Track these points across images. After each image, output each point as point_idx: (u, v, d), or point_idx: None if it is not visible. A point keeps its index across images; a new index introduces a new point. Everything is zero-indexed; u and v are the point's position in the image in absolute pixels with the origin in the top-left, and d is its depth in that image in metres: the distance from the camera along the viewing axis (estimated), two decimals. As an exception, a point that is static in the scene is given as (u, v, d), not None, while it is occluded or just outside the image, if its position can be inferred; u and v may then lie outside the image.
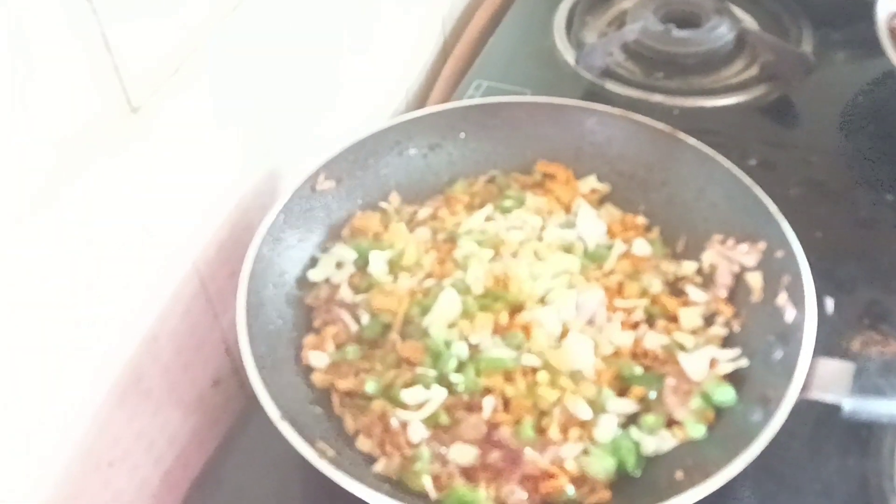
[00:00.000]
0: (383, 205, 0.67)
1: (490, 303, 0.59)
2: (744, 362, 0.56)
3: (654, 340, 0.59)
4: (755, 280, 0.59)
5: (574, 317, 0.59)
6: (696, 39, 0.87)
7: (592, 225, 0.65)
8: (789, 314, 0.55)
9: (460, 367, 0.56)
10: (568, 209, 0.67)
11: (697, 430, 0.53)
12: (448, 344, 0.57)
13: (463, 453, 0.53)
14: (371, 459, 0.53)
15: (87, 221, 0.48)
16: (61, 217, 0.46)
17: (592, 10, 0.94)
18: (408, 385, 0.55)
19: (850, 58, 0.89)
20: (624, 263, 0.63)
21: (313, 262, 0.63)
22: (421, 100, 0.92)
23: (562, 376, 0.56)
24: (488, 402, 0.55)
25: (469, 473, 0.52)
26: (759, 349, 0.56)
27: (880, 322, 0.64)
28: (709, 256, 0.62)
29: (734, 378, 0.56)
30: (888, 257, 0.69)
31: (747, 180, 0.62)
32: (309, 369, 0.57)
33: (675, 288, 0.63)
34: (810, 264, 0.57)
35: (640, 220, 0.67)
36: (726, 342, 0.59)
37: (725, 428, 0.53)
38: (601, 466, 0.52)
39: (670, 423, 0.55)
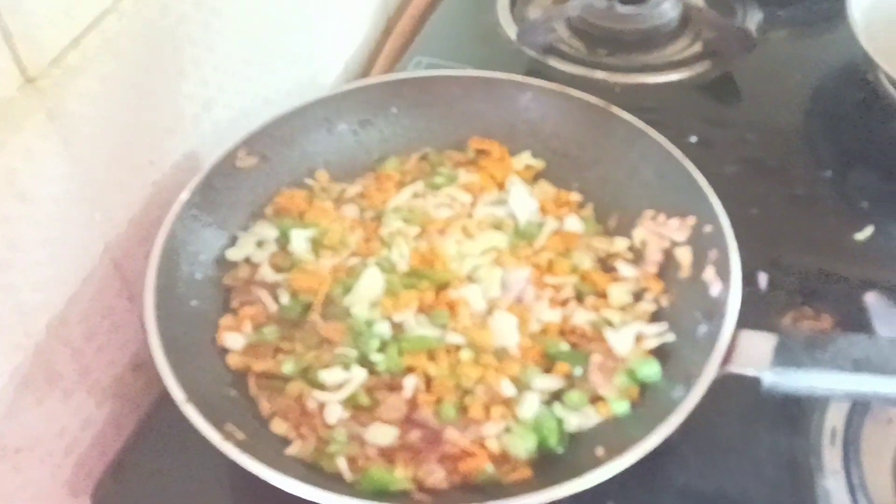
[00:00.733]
0: (309, 182, 0.65)
1: (415, 281, 0.58)
2: (670, 337, 0.55)
3: (582, 317, 0.57)
4: (684, 255, 0.59)
5: (501, 295, 0.58)
6: (640, 16, 0.85)
7: (524, 202, 0.64)
8: (715, 289, 0.55)
9: (382, 347, 0.55)
10: (501, 186, 0.66)
11: (621, 407, 0.53)
12: (370, 323, 0.55)
13: (382, 434, 0.51)
14: (286, 443, 0.52)
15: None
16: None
17: (536, -14, 0.93)
18: (327, 366, 0.54)
19: (793, 36, 0.89)
20: (555, 240, 0.62)
21: (233, 241, 0.61)
22: (361, 75, 0.90)
23: (485, 354, 0.54)
24: (409, 382, 0.53)
25: (388, 454, 0.51)
26: (685, 326, 0.55)
27: (813, 299, 0.63)
28: (640, 233, 0.61)
29: (660, 355, 0.55)
30: (824, 234, 0.68)
31: (678, 154, 0.61)
32: (225, 351, 0.55)
33: (606, 265, 0.62)
34: (745, 241, 0.56)
35: (574, 196, 0.66)
36: (655, 318, 0.58)
37: (649, 405, 0.52)
38: (522, 444, 0.51)
39: (595, 399, 0.54)
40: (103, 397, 0.59)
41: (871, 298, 0.61)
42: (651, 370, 0.53)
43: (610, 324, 0.57)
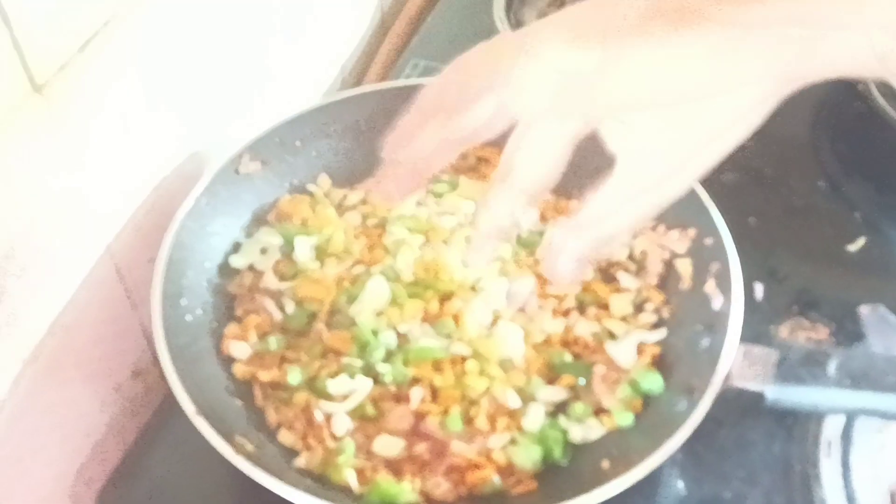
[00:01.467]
0: (312, 188, 0.65)
1: (420, 290, 0.58)
2: (662, 332, 0.56)
3: (584, 328, 0.58)
4: (685, 267, 0.59)
5: (505, 305, 0.58)
6: (636, 22, 0.86)
7: (525, 211, 0.64)
8: (717, 302, 0.55)
9: (388, 357, 0.55)
10: (502, 194, 0.66)
11: (625, 419, 0.53)
12: (375, 333, 0.56)
13: (388, 445, 0.52)
14: (293, 453, 0.52)
15: (-15, 207, 0.45)
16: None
17: (533, -11, 0.93)
18: (333, 376, 0.54)
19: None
20: (556, 250, 0.62)
21: (237, 248, 0.61)
22: (357, 79, 0.89)
23: (491, 365, 0.55)
24: (416, 393, 0.54)
25: (394, 466, 0.51)
26: (686, 337, 0.56)
27: (809, 309, 0.64)
28: (640, 243, 0.62)
29: (662, 367, 0.55)
30: (818, 245, 0.70)
31: (679, 167, 0.61)
32: (230, 360, 0.55)
33: (607, 274, 0.62)
34: (742, 251, 0.57)
35: (574, 205, 0.66)
36: (656, 329, 0.58)
37: (652, 417, 0.53)
38: (527, 456, 0.51)
39: (598, 411, 0.54)
40: (104, 404, 0.59)
41: (865, 311, 0.62)
42: (654, 383, 0.54)
43: (612, 335, 0.58)
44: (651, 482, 0.53)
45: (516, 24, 0.88)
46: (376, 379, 0.54)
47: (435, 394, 0.54)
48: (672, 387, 0.54)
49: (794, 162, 0.76)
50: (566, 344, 0.58)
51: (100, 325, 0.57)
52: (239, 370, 0.55)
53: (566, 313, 0.59)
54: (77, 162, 0.51)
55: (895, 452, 0.56)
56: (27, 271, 0.49)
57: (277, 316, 0.57)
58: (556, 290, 0.60)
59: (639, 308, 0.60)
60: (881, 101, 0.78)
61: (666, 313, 0.59)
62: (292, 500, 0.46)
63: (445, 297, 0.58)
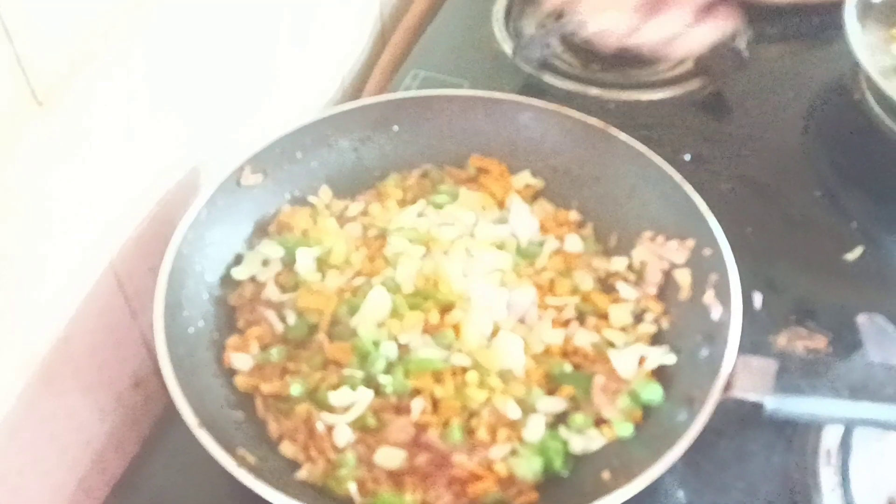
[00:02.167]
0: (312, 199, 0.65)
1: (420, 301, 0.58)
2: (671, 358, 0.56)
3: (584, 338, 0.58)
4: (684, 277, 0.60)
5: (505, 315, 0.59)
6: (633, 32, 0.86)
7: (525, 221, 0.65)
8: (716, 312, 0.56)
9: (389, 368, 0.55)
10: (501, 205, 0.67)
11: (625, 430, 0.53)
12: (376, 344, 0.56)
13: (390, 457, 0.52)
14: (295, 465, 0.52)
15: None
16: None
17: (532, 0, 0.93)
18: (334, 387, 0.54)
19: (783, 52, 0.90)
20: (556, 260, 0.63)
21: (238, 260, 0.61)
22: (357, 89, 0.90)
23: (491, 376, 0.55)
24: (417, 404, 0.54)
25: (396, 477, 0.51)
26: (686, 348, 0.56)
27: (807, 318, 0.65)
28: (639, 253, 0.62)
29: (662, 377, 0.56)
30: (816, 254, 0.70)
31: (678, 177, 0.62)
32: (231, 372, 0.56)
33: (606, 284, 0.63)
34: (740, 260, 0.58)
35: (574, 215, 0.67)
36: (655, 340, 0.59)
37: (652, 427, 0.53)
38: (528, 467, 0.52)
39: (599, 422, 0.55)
40: (104, 414, 0.59)
41: (863, 320, 0.62)
42: (654, 394, 0.54)
43: (611, 345, 0.58)
44: (652, 493, 0.53)
45: (515, 34, 0.89)
46: (377, 390, 0.54)
47: (436, 405, 0.54)
48: (672, 397, 0.54)
49: (790, 172, 0.77)
50: (566, 354, 0.58)
51: (99, 335, 0.57)
52: (240, 382, 0.55)
53: (566, 324, 0.59)
54: (78, 173, 0.51)
55: (894, 461, 0.57)
56: (26, 281, 0.49)
57: (279, 327, 0.57)
58: (556, 301, 0.60)
59: (638, 318, 0.60)
60: (877, 109, 0.78)
61: (665, 324, 0.59)
62: (295, 512, 0.46)
63: (446, 308, 0.58)
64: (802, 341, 0.63)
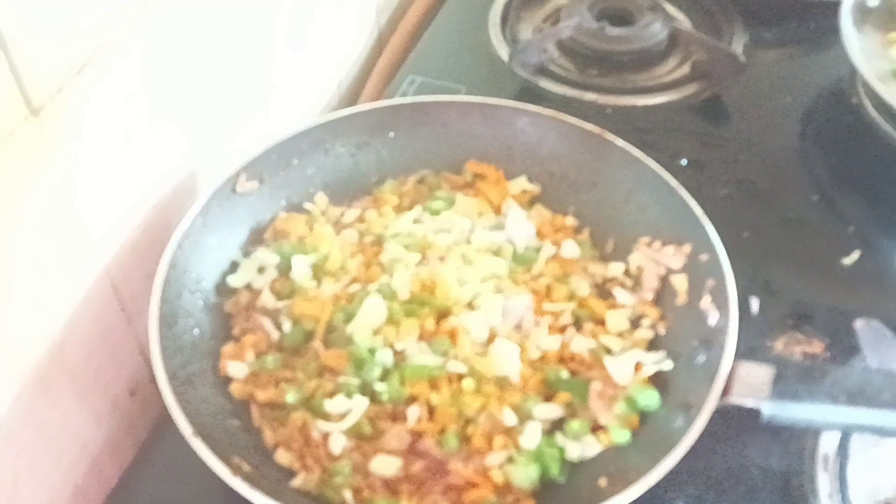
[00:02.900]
0: (308, 206, 0.65)
1: (416, 308, 0.58)
2: (668, 364, 0.56)
3: (581, 344, 0.58)
4: (680, 283, 0.60)
5: (501, 322, 0.58)
6: (630, 37, 0.86)
7: (522, 227, 0.64)
8: (713, 318, 0.56)
9: (385, 376, 0.55)
10: (498, 210, 0.67)
11: (622, 436, 0.53)
12: (372, 351, 0.56)
13: (386, 465, 0.52)
14: (291, 473, 0.52)
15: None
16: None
17: (528, 5, 0.94)
18: (330, 395, 0.54)
19: (781, 57, 0.90)
20: (552, 266, 0.63)
21: (234, 267, 0.61)
22: (354, 94, 0.90)
23: (487, 383, 0.55)
24: (413, 411, 0.54)
25: (392, 485, 0.51)
26: (682, 353, 0.56)
27: (804, 322, 0.65)
28: (636, 258, 0.62)
29: (659, 383, 0.55)
30: (813, 258, 0.70)
31: (674, 183, 0.62)
32: (227, 380, 0.55)
33: (603, 290, 0.62)
34: (736, 265, 0.58)
35: (570, 221, 0.67)
36: (652, 345, 0.59)
37: (648, 434, 0.53)
38: (525, 474, 0.52)
39: (595, 428, 0.54)
40: (100, 421, 0.59)
41: (861, 325, 0.62)
42: (651, 399, 0.54)
43: (608, 351, 0.58)
44: (649, 499, 0.53)
45: (512, 39, 0.89)
46: (373, 397, 0.54)
47: (432, 412, 0.54)
48: (669, 403, 0.54)
49: (787, 176, 0.77)
50: (563, 360, 0.58)
51: (94, 341, 0.57)
52: (236, 390, 0.55)
53: (562, 330, 0.59)
54: (74, 182, 0.51)
55: (891, 466, 0.56)
56: (22, 288, 0.49)
57: (274, 335, 0.57)
58: (553, 307, 0.60)
59: (635, 324, 0.60)
60: (874, 114, 0.78)
61: (662, 329, 0.59)
62: (290, 521, 0.46)
63: (442, 315, 0.58)
64: (800, 346, 0.63)
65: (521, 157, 0.69)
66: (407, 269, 0.60)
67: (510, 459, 0.52)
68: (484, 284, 0.60)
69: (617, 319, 0.60)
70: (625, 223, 0.64)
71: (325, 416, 0.53)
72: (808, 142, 0.80)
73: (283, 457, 0.52)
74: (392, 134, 0.68)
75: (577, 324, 0.60)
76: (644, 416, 0.54)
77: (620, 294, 0.61)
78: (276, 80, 0.72)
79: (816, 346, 0.63)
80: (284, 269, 0.61)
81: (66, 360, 0.54)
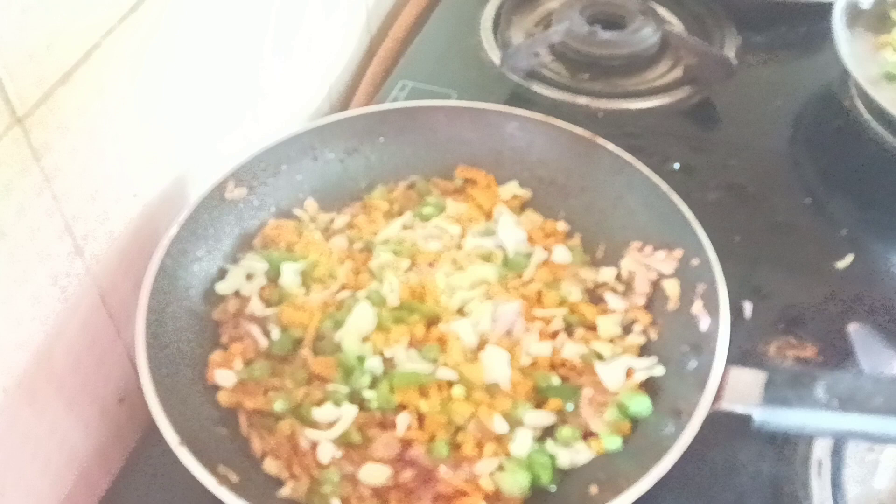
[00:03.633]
0: (298, 212, 0.65)
1: (406, 315, 0.58)
2: (659, 370, 0.56)
3: (572, 350, 0.58)
4: (672, 288, 0.59)
5: (492, 328, 0.58)
6: (621, 41, 0.86)
7: (512, 232, 0.64)
8: (704, 323, 0.55)
9: (374, 383, 0.55)
10: (489, 215, 0.66)
11: (613, 443, 0.53)
12: (361, 359, 0.55)
13: (375, 473, 0.51)
14: (279, 482, 0.51)
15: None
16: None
17: (519, 9, 0.93)
18: (318, 403, 0.53)
19: (772, 60, 0.90)
20: (543, 272, 0.62)
21: (222, 275, 0.60)
22: (345, 100, 0.89)
23: (477, 390, 0.55)
24: (402, 419, 0.53)
25: (381, 494, 0.51)
26: (674, 359, 0.56)
27: (796, 327, 0.64)
28: (627, 263, 0.62)
29: (650, 389, 0.55)
30: (805, 262, 0.70)
31: (665, 187, 0.61)
32: (215, 388, 0.55)
33: (594, 295, 0.62)
34: (728, 270, 0.57)
35: (561, 226, 0.66)
36: (643, 351, 0.58)
37: (640, 440, 0.53)
38: (515, 482, 0.51)
39: (586, 435, 0.54)
40: (88, 430, 0.59)
41: (854, 329, 0.62)
42: (642, 406, 0.54)
43: (599, 356, 0.57)
44: (640, 504, 0.52)
45: (503, 44, 0.88)
46: (362, 405, 0.54)
47: (421, 420, 0.54)
48: (660, 409, 0.54)
49: (779, 180, 0.76)
50: (554, 367, 0.57)
51: (82, 351, 0.56)
52: (224, 398, 0.54)
53: (553, 335, 0.59)
54: (59, 189, 0.51)
55: (886, 471, 0.56)
56: (7, 296, 0.49)
57: (263, 342, 0.57)
58: (543, 313, 0.60)
59: (626, 329, 0.60)
60: (866, 116, 0.78)
61: (653, 334, 0.59)
62: (278, 531, 0.45)
63: (431, 322, 0.58)
64: (792, 351, 0.63)
65: (511, 161, 0.68)
66: (396, 276, 0.60)
67: (500, 467, 0.52)
68: (474, 290, 0.60)
69: (608, 325, 0.59)
70: (615, 228, 0.64)
71: (314, 425, 0.53)
72: (800, 145, 0.80)
73: (271, 465, 0.52)
74: (382, 139, 0.68)
75: (569, 330, 0.59)
76: (635, 422, 0.54)
77: (612, 299, 0.61)
78: (265, 86, 0.72)
79: (809, 351, 0.63)
80: (273, 276, 0.60)
81: (53, 368, 0.54)
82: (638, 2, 0.89)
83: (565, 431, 0.53)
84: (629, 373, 0.56)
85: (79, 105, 0.50)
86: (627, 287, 0.62)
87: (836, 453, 0.56)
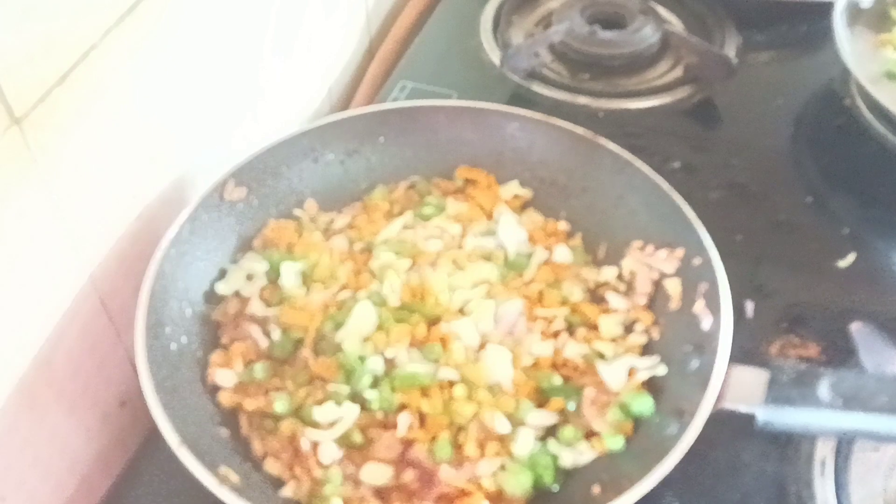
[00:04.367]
0: (298, 213, 0.65)
1: (407, 315, 0.58)
2: (661, 369, 0.55)
3: (574, 350, 0.58)
4: (674, 287, 0.59)
5: (493, 328, 0.58)
6: (621, 41, 0.86)
7: (513, 232, 0.64)
8: (706, 322, 0.55)
9: (375, 383, 0.55)
10: (490, 215, 0.66)
11: (616, 443, 0.53)
12: (362, 359, 0.55)
13: (376, 474, 0.51)
14: (280, 483, 0.51)
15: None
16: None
17: (519, 10, 0.93)
18: (319, 403, 0.53)
19: (772, 60, 0.90)
20: (545, 271, 0.62)
21: (222, 275, 0.60)
22: (345, 100, 0.89)
23: (479, 390, 0.54)
24: (403, 419, 0.53)
25: (383, 495, 0.51)
26: (676, 358, 0.55)
27: (798, 326, 0.64)
28: (628, 263, 0.62)
29: (652, 388, 0.55)
30: (807, 261, 0.69)
31: (666, 186, 0.61)
32: (215, 389, 0.55)
33: (596, 295, 0.62)
34: (730, 267, 0.57)
35: (562, 226, 0.66)
36: (646, 350, 0.58)
37: (642, 440, 0.52)
38: (518, 482, 0.51)
39: (589, 435, 0.54)
40: (89, 436, 0.58)
41: (857, 328, 0.61)
42: (645, 405, 0.53)
43: (601, 356, 0.57)
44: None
45: (503, 44, 0.88)
46: (363, 406, 0.54)
47: (423, 420, 0.53)
48: (662, 409, 0.53)
49: (780, 179, 0.76)
50: (555, 366, 0.57)
51: (83, 355, 0.56)
52: (224, 399, 0.54)
53: (555, 335, 0.59)
54: (58, 192, 0.50)
55: (890, 471, 0.56)
56: (7, 302, 0.49)
57: (263, 343, 0.57)
58: (545, 313, 0.59)
59: (628, 329, 0.59)
60: (867, 115, 0.78)
61: (655, 334, 0.58)
62: (279, 532, 0.45)
63: (432, 322, 0.58)
64: (795, 350, 0.62)
65: (512, 162, 0.68)
66: (397, 276, 0.59)
67: (503, 467, 0.51)
68: (475, 290, 0.59)
69: (610, 324, 0.59)
70: (616, 228, 0.64)
71: (315, 425, 0.53)
72: (801, 144, 0.80)
73: (272, 466, 0.52)
74: (382, 140, 0.68)
75: (570, 329, 0.59)
76: (638, 422, 0.54)
77: (613, 299, 0.60)
78: (264, 87, 0.72)
79: (811, 350, 0.62)
80: (273, 276, 0.60)
81: (53, 374, 0.54)
82: (638, 1, 0.89)
83: (567, 431, 0.53)
84: (631, 372, 0.56)
85: (77, 107, 0.50)
86: (629, 287, 0.61)
87: (840, 453, 0.55)
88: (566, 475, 0.52)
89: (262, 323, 0.58)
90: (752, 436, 0.56)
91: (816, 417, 0.49)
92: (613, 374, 0.55)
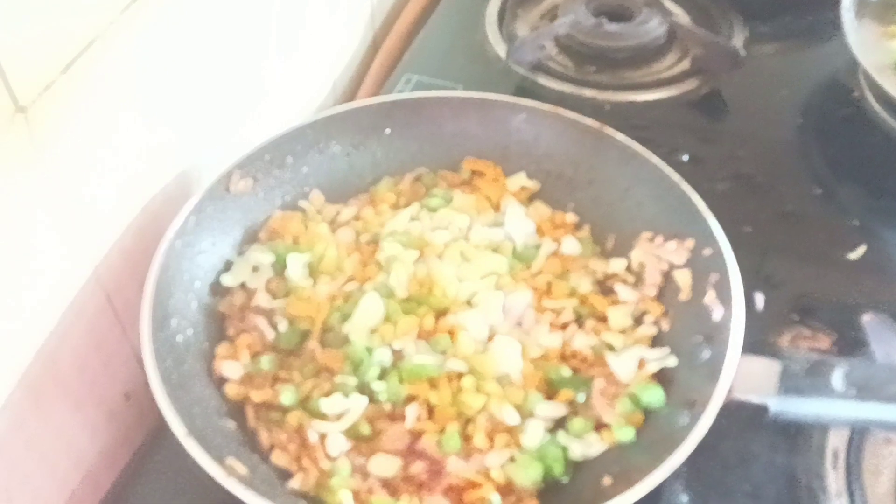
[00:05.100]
0: (303, 204, 0.64)
1: (414, 307, 0.57)
2: (672, 361, 0.55)
3: (582, 341, 0.57)
4: (684, 278, 0.58)
5: (501, 319, 0.57)
6: (627, 33, 0.86)
7: (521, 224, 0.63)
8: (717, 313, 0.54)
9: (383, 375, 0.54)
10: (497, 207, 0.66)
11: (626, 434, 0.52)
12: (370, 350, 0.55)
13: (384, 465, 0.50)
14: (287, 475, 0.51)
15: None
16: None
17: (524, 2, 0.93)
18: (327, 395, 0.53)
19: (779, 51, 0.90)
20: (553, 263, 0.62)
21: (228, 267, 0.60)
22: (349, 94, 0.89)
23: (488, 381, 0.54)
24: (412, 411, 0.52)
25: (391, 486, 0.50)
26: (686, 349, 0.55)
27: (809, 317, 0.64)
28: (637, 254, 0.61)
29: (663, 380, 0.54)
30: (817, 253, 0.69)
31: (675, 177, 0.61)
32: (221, 381, 0.54)
33: (604, 287, 0.61)
34: (739, 259, 0.56)
35: (570, 217, 0.65)
36: (655, 342, 0.57)
37: (652, 432, 0.52)
38: (527, 474, 0.50)
39: (598, 426, 0.53)
40: (95, 431, 0.58)
41: (868, 319, 0.61)
42: (655, 396, 0.53)
43: (611, 347, 0.57)
44: (654, 498, 0.52)
45: (509, 37, 0.88)
46: (371, 397, 0.53)
47: (431, 411, 0.53)
48: (673, 400, 0.53)
49: (788, 170, 0.76)
50: (564, 358, 0.57)
51: (88, 351, 0.55)
52: (231, 391, 0.54)
53: (564, 327, 0.58)
54: (62, 183, 0.50)
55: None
56: (10, 297, 0.48)
57: (270, 335, 0.56)
58: (553, 304, 0.59)
59: (638, 320, 0.59)
60: (876, 106, 0.77)
61: (665, 325, 0.58)
62: (287, 524, 0.45)
63: (440, 313, 0.57)
64: (806, 341, 0.62)
65: (518, 155, 0.67)
66: (404, 267, 0.59)
67: (512, 459, 0.51)
68: (483, 282, 0.59)
69: (619, 316, 0.59)
70: (625, 219, 0.63)
71: (322, 417, 0.52)
72: (809, 135, 0.79)
73: (279, 458, 0.51)
74: (388, 131, 0.67)
75: (579, 321, 0.59)
76: (648, 413, 0.53)
77: (622, 290, 0.60)
78: (268, 82, 0.71)
79: (823, 341, 0.62)
80: (279, 268, 0.60)
81: (58, 370, 0.53)
82: (644, -7, 0.89)
83: (577, 423, 0.53)
84: (641, 364, 0.55)
85: (81, 97, 0.50)
86: (638, 278, 0.61)
87: (853, 444, 0.55)
88: (576, 467, 0.52)
89: (269, 315, 0.57)
90: (763, 427, 0.56)
91: (829, 408, 0.48)
92: (623, 365, 0.55)
